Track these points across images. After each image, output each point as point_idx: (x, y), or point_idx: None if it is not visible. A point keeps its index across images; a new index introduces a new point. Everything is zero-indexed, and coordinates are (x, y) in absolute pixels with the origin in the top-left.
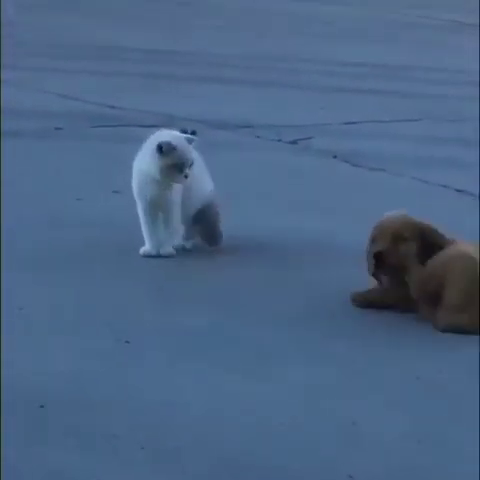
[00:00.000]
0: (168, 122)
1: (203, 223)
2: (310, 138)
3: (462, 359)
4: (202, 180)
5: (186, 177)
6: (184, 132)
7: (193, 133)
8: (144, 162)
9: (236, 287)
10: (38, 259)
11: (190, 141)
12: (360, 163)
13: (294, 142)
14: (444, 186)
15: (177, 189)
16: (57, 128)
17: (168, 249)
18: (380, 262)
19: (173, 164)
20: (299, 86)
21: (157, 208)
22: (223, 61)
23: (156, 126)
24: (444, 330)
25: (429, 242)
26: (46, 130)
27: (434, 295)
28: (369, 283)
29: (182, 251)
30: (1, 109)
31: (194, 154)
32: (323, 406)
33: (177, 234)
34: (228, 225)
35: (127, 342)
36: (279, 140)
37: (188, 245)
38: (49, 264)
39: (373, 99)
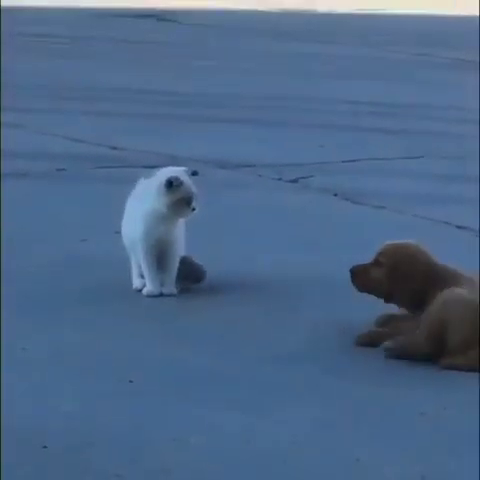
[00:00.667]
0: (170, 162)
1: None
2: (311, 176)
3: (466, 396)
4: None
5: (194, 210)
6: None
7: (194, 173)
8: (148, 201)
9: (237, 325)
10: (41, 300)
11: (194, 174)
12: (361, 201)
13: (295, 181)
14: (445, 222)
15: (181, 227)
16: (59, 169)
17: (171, 288)
18: (353, 278)
19: (181, 198)
20: (299, 125)
21: (163, 247)
22: (223, 101)
23: (158, 166)
24: (445, 368)
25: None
26: (49, 171)
27: (438, 336)
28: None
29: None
30: (1, 151)
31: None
32: (325, 443)
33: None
34: (230, 263)
35: (130, 381)
36: (280, 179)
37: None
38: (52, 305)
39: (373, 137)
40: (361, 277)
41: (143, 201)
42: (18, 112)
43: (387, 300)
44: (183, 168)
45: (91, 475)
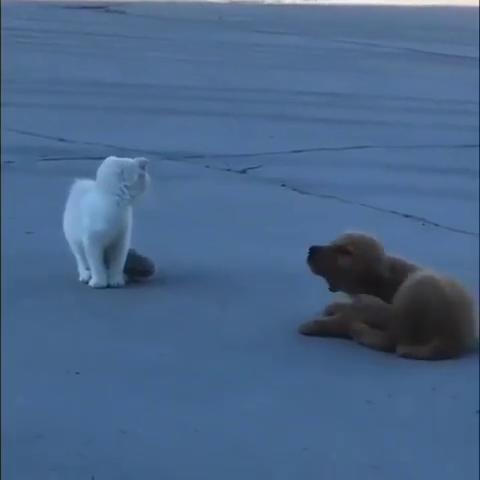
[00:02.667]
0: (118, 154)
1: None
2: (259, 167)
3: (412, 383)
4: None
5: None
6: None
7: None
8: (98, 195)
9: (185, 317)
10: None
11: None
12: (309, 191)
13: (243, 171)
14: (393, 212)
15: (129, 221)
16: (8, 162)
17: (118, 280)
18: (312, 258)
19: (136, 180)
20: (248, 115)
21: (112, 240)
22: (171, 93)
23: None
24: (403, 357)
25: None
26: None
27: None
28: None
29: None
30: None
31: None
32: (274, 432)
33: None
34: (178, 255)
35: (77, 373)
36: (228, 170)
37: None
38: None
39: (321, 127)
40: (322, 260)
41: (88, 196)
42: None
43: (334, 288)
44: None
45: (41, 466)
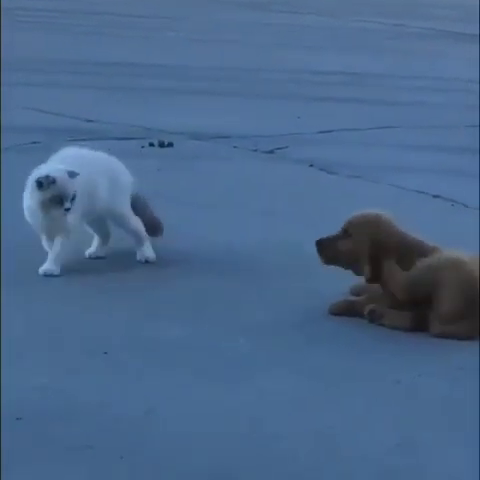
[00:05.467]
0: (146, 134)
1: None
2: (286, 147)
3: (441, 364)
4: (104, 184)
5: (67, 210)
6: (161, 144)
7: (170, 145)
8: (26, 197)
9: (213, 297)
10: (10, 274)
11: (72, 175)
12: (336, 171)
13: (271, 152)
14: (421, 192)
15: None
16: (34, 142)
17: (47, 267)
18: (319, 250)
19: (52, 197)
20: (275, 96)
21: (48, 234)
22: (199, 73)
23: (133, 139)
24: (438, 336)
25: (391, 247)
26: (23, 145)
27: (424, 300)
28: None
29: (114, 259)
30: None
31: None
32: (300, 413)
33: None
34: (205, 235)
35: (105, 353)
36: (256, 150)
37: (101, 253)
38: (29, 278)
39: (348, 107)
40: (328, 249)
41: (26, 196)
42: None
43: (356, 271)
44: (62, 166)
45: (64, 446)
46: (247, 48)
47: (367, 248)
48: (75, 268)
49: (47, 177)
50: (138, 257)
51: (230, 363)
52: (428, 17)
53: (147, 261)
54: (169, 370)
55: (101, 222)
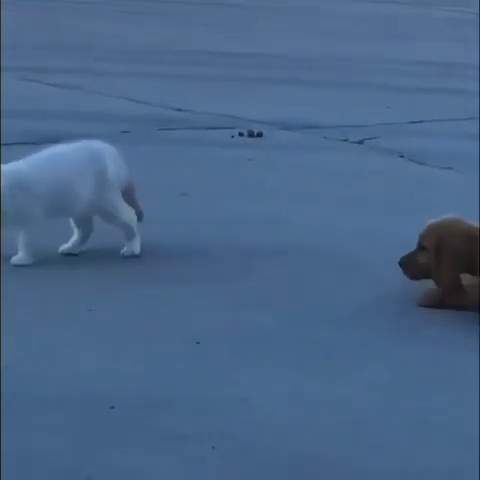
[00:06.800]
0: (235, 124)
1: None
2: (376, 138)
3: None
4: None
5: None
6: (251, 133)
7: (259, 135)
8: None
9: (300, 286)
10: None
11: None
12: (427, 162)
13: (360, 142)
14: None
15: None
16: (124, 131)
17: (16, 258)
18: (403, 270)
19: None
20: (365, 86)
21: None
22: (289, 63)
23: (223, 128)
24: None
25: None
26: (113, 134)
27: None
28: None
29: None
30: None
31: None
32: (387, 404)
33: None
34: (295, 225)
35: (197, 343)
36: (345, 140)
37: (76, 250)
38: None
39: (439, 98)
40: (411, 267)
41: None
42: (79, 73)
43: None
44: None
45: (157, 435)
46: (338, 38)
47: (448, 257)
48: (166, 255)
49: None
50: (125, 251)
51: (319, 353)
52: None
53: (133, 255)
54: (260, 360)
55: (86, 219)
